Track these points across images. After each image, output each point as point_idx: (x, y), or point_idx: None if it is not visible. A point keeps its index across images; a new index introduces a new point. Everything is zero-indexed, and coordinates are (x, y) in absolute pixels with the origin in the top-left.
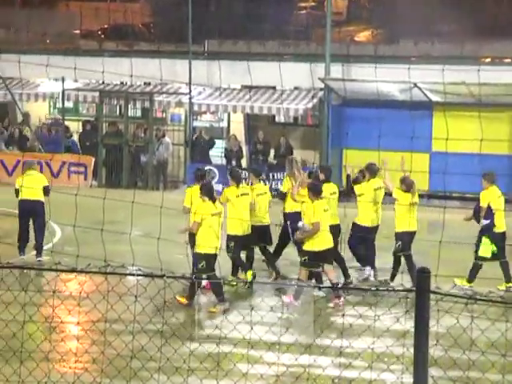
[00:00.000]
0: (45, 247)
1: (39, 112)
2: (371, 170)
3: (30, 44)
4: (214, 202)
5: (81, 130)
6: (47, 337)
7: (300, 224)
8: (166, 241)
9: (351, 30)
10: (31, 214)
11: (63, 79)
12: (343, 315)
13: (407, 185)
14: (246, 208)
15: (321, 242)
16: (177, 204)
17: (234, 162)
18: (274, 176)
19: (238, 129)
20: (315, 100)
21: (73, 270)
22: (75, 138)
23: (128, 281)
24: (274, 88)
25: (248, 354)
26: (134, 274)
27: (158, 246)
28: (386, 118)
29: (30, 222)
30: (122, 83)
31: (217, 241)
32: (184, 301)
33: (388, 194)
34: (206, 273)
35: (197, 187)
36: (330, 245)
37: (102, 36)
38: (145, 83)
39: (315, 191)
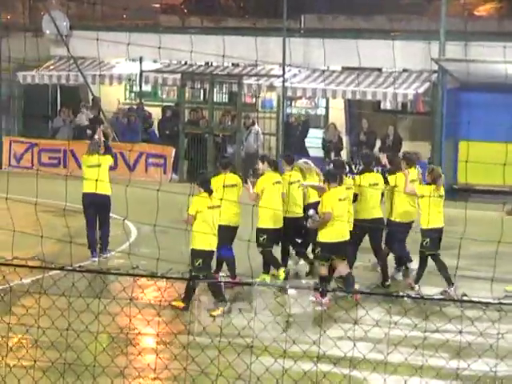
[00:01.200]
0: (119, 248)
1: (114, 96)
2: (408, 160)
3: (104, 20)
4: (210, 194)
5: (160, 117)
6: (123, 350)
7: (311, 212)
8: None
9: (470, 3)
10: (97, 208)
11: (141, 59)
12: (460, 332)
13: (434, 176)
14: (279, 198)
15: (334, 233)
16: None
17: (333, 155)
18: (379, 171)
19: (337, 117)
20: (427, 84)
21: (152, 276)
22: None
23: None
24: (379, 70)
25: (350, 375)
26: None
27: (249, 248)
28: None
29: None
30: (206, 64)
31: (213, 237)
32: (180, 304)
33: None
34: (203, 272)
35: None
36: (346, 237)
37: (185, 11)
38: (233, 64)
39: (330, 178)
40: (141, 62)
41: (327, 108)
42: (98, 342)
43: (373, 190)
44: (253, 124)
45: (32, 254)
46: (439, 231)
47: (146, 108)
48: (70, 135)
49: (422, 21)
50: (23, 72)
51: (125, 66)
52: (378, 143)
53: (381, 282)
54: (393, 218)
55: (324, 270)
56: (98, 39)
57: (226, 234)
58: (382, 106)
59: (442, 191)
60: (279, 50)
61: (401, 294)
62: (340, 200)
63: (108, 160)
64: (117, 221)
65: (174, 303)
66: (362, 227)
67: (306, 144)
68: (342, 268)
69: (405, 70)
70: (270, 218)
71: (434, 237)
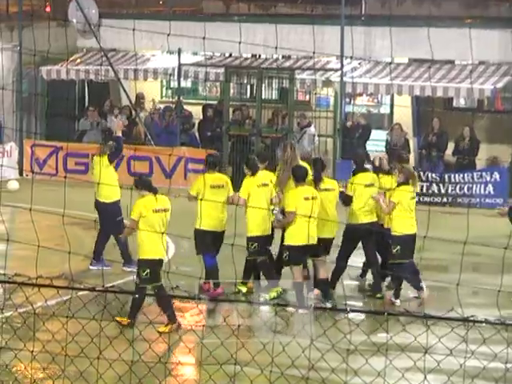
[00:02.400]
0: None
1: (149, 93)
2: (400, 158)
3: (138, 7)
4: (155, 194)
5: (201, 117)
6: (161, 381)
7: (275, 211)
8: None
9: None
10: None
11: (179, 52)
12: None
13: (406, 175)
14: (266, 202)
15: (301, 236)
16: None
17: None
18: (451, 179)
19: (403, 116)
20: (507, 78)
21: (193, 298)
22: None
23: (263, 312)
24: (451, 62)
25: None
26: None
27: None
28: None
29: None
30: (254, 56)
31: (161, 244)
32: (125, 320)
33: None
34: (151, 283)
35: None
36: (314, 239)
37: None
38: (283, 56)
39: (296, 176)
40: (179, 55)
41: (392, 106)
42: (132, 372)
43: (369, 191)
44: (308, 125)
45: (58, 272)
46: (412, 238)
47: (185, 107)
48: (98, 140)
49: (500, 6)
50: (47, 66)
51: (161, 59)
52: (451, 146)
53: (372, 292)
54: (387, 225)
55: (298, 274)
56: (134, 29)
57: (208, 240)
58: (454, 104)
59: (414, 193)
60: (337, 40)
61: (479, 318)
62: (306, 199)
63: (103, 161)
64: None
65: (117, 318)
66: (355, 232)
67: (368, 147)
68: (296, 273)
69: (481, 63)
70: (258, 225)
71: (405, 244)
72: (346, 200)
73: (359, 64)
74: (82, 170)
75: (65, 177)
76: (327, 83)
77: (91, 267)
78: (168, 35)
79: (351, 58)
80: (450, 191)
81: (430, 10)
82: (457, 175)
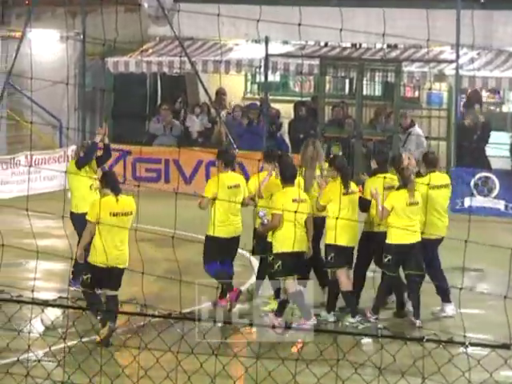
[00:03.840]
0: (243, 287)
1: (232, 89)
2: (429, 161)
3: None
4: (117, 195)
5: (291, 117)
6: None
7: (261, 213)
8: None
9: None
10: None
11: (267, 40)
12: None
13: (405, 178)
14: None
15: (291, 242)
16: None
17: None
18: None
19: None
20: None
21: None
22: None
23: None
24: None
25: None
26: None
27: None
28: None
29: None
30: (354, 46)
31: (115, 251)
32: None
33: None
34: (89, 287)
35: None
36: (302, 247)
37: None
38: (388, 46)
39: (284, 175)
40: (267, 44)
41: None
42: None
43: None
44: (412, 125)
45: (127, 295)
46: (407, 248)
47: (272, 104)
48: (172, 143)
49: None
50: (114, 58)
51: (246, 49)
52: None
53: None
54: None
55: (292, 286)
56: (219, 15)
57: (212, 247)
58: None
59: (418, 197)
60: (451, 27)
61: None
62: (294, 201)
63: (71, 167)
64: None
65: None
66: (372, 241)
67: (487, 152)
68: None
69: None
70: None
71: (397, 255)
72: (363, 205)
73: (478, 54)
74: (153, 178)
75: (136, 185)
76: (440, 77)
77: (72, 288)
78: (258, 21)
79: (468, 47)
80: None
81: None
82: None
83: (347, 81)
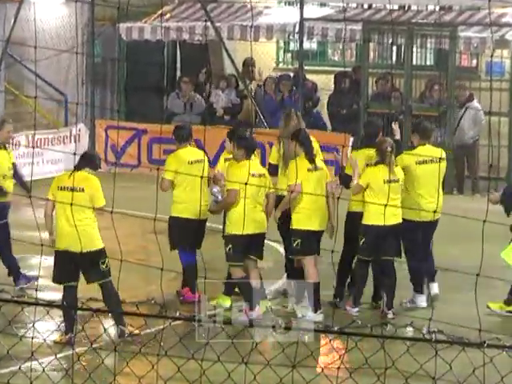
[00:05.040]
0: (272, 287)
1: (262, 58)
2: (421, 131)
3: None
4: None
5: (331, 90)
6: None
7: (214, 190)
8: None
9: None
10: None
11: (302, 2)
12: None
13: (382, 152)
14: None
15: (247, 222)
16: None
17: None
18: None
19: None
20: None
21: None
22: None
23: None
24: None
25: None
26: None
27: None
28: None
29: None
30: (402, 8)
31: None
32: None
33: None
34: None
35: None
36: (261, 229)
37: None
38: (442, 8)
39: (245, 147)
40: (301, 7)
41: None
42: None
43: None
44: (470, 99)
45: (144, 295)
46: (385, 230)
47: (308, 76)
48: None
49: None
50: (127, 23)
51: (277, 12)
52: None
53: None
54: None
55: (239, 272)
56: None
57: (182, 230)
58: None
59: (399, 174)
60: None
61: None
62: (253, 176)
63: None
64: (269, 246)
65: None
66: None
67: None
68: (236, 271)
69: None
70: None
71: (372, 237)
72: (344, 181)
73: None
74: None
75: (157, 169)
76: (501, 43)
77: (17, 288)
78: None
79: None
80: None
81: None
82: None
83: (394, 48)
